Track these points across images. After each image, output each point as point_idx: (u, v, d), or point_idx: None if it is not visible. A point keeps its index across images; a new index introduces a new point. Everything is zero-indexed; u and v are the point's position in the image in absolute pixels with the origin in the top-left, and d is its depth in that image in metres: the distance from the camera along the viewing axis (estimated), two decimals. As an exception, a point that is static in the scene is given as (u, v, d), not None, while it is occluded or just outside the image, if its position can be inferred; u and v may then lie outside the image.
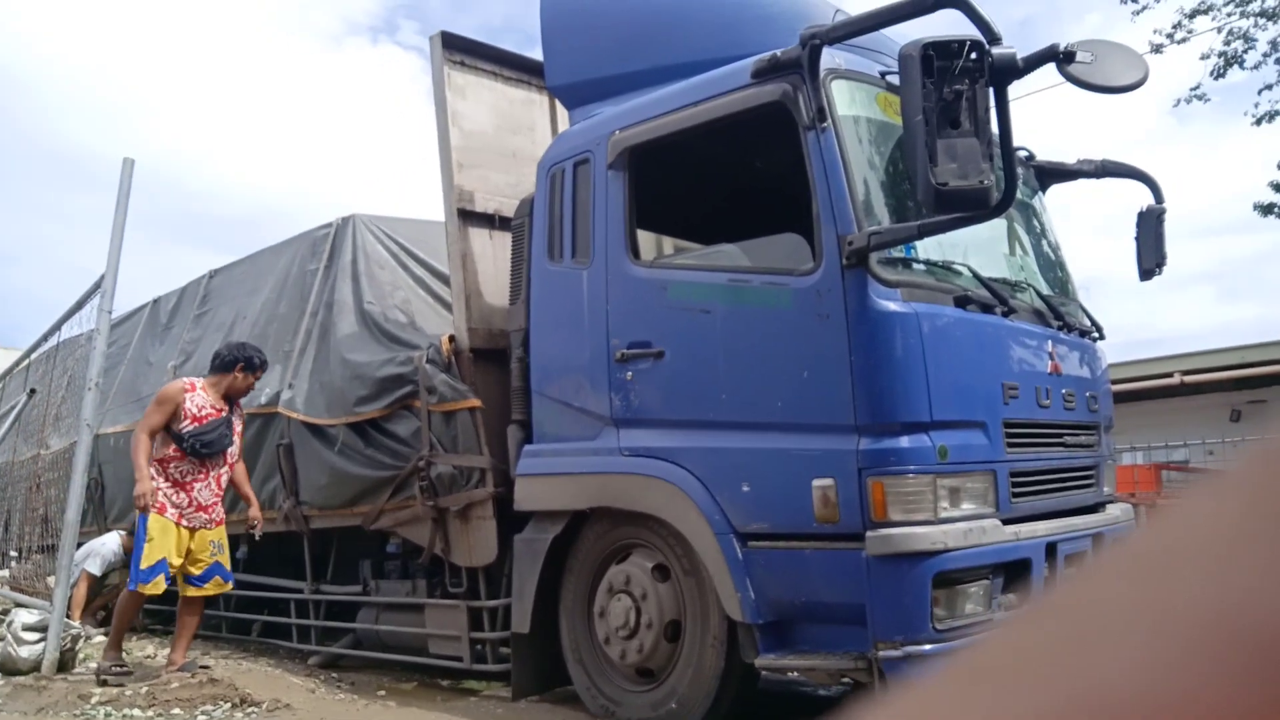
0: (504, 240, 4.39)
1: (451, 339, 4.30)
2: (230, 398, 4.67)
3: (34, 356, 8.30)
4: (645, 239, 4.13)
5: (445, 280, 4.85)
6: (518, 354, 4.04)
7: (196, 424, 4.49)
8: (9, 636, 4.79)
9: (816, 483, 3.03)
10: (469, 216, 4.40)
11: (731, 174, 4.43)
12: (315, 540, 5.15)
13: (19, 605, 5.65)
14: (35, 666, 4.63)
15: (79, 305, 6.22)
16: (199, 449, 4.47)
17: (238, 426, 4.72)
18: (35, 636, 4.76)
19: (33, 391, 7.51)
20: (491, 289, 4.38)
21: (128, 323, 7.46)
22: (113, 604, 6.58)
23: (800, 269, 3.18)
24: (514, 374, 4.05)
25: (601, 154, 3.77)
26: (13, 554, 7.60)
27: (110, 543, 6.30)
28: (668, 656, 3.45)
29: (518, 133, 4.68)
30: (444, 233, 4.46)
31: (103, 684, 4.20)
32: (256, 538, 4.85)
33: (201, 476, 4.51)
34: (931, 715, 0.22)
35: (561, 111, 4.53)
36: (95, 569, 6.16)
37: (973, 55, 2.68)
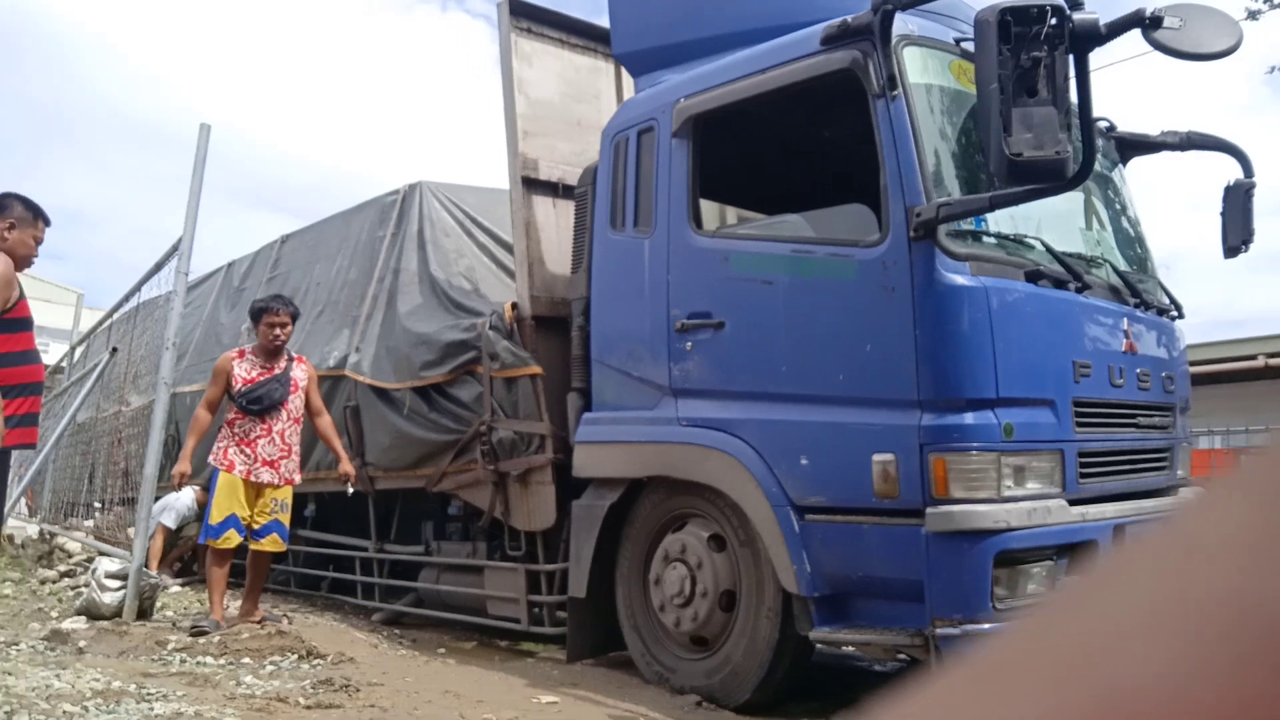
0: (567, 209, 4.40)
1: (514, 306, 4.34)
2: (276, 353, 4.71)
3: (116, 317, 8.64)
4: (708, 209, 4.10)
5: (509, 248, 4.89)
6: (578, 322, 4.06)
7: (247, 385, 4.63)
8: (93, 583, 5.03)
9: (877, 457, 3.00)
10: (533, 184, 4.42)
11: (798, 143, 4.37)
12: (380, 501, 5.29)
13: (102, 554, 5.93)
14: (117, 612, 4.85)
15: (157, 267, 6.43)
16: (248, 406, 4.61)
17: (299, 381, 4.74)
18: (117, 584, 4.98)
19: (114, 350, 7.81)
20: (554, 257, 4.41)
21: (203, 285, 7.70)
22: (188, 556, 6.88)
23: (866, 240, 3.12)
24: (574, 342, 4.08)
25: (666, 122, 3.74)
26: (96, 505, 7.96)
27: (185, 497, 6.56)
28: (722, 626, 3.47)
29: (583, 100, 4.67)
30: (508, 201, 4.50)
31: (196, 633, 4.37)
32: (349, 493, 4.87)
33: (263, 432, 4.62)
34: (953, 714, 0.22)
35: (627, 79, 4.51)
36: (170, 522, 6.42)
37: (1053, 20, 2.58)
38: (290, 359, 4.78)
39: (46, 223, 3.76)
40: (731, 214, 4.61)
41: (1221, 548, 0.19)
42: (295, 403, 4.71)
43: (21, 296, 3.55)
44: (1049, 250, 3.23)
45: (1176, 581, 0.20)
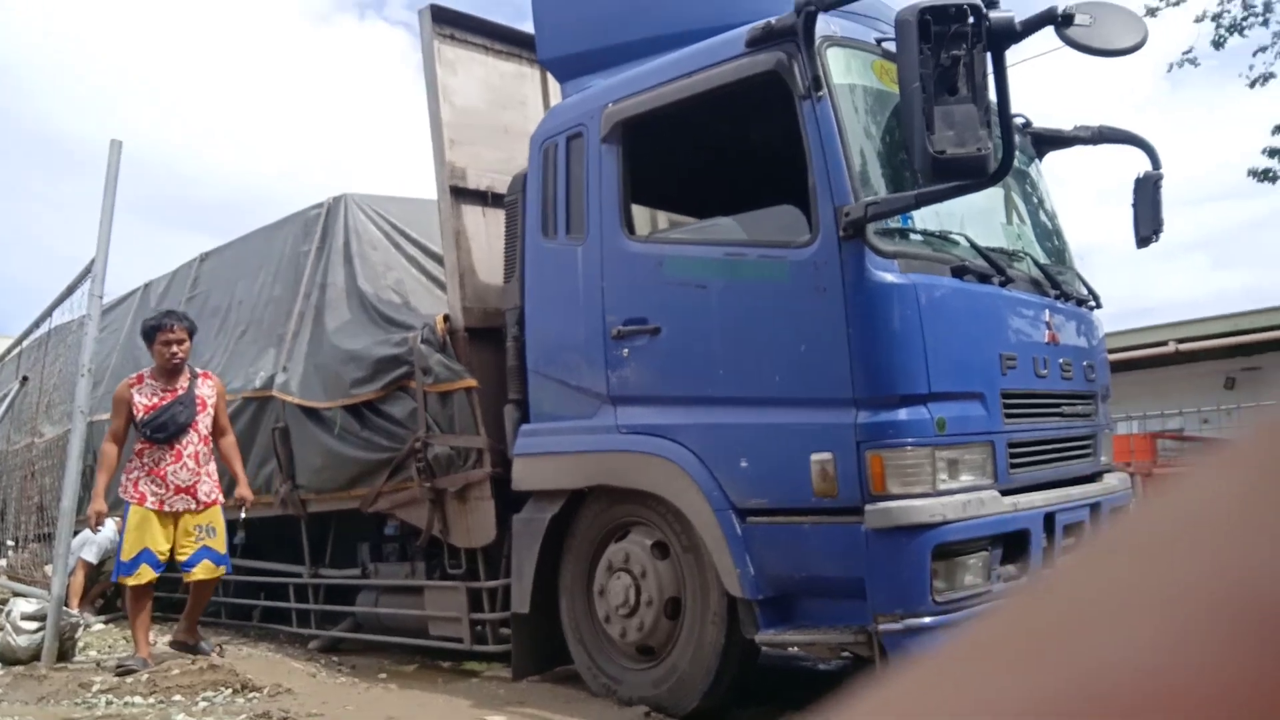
0: (497, 217, 4.34)
1: (446, 319, 4.26)
2: (176, 372, 4.52)
3: (25, 344, 8.24)
4: (640, 214, 4.08)
5: (438, 259, 4.81)
6: (513, 332, 4.01)
7: (149, 412, 4.44)
8: (8, 626, 4.77)
9: (815, 457, 3.01)
10: (461, 194, 4.35)
11: (727, 146, 4.38)
12: (313, 524, 5.14)
13: (17, 595, 5.64)
14: (35, 655, 4.61)
15: (69, 291, 6.16)
16: (154, 435, 4.43)
17: (207, 398, 4.56)
18: (34, 626, 4.74)
19: (25, 379, 7.47)
20: (485, 267, 4.34)
21: (119, 308, 7.41)
22: (111, 591, 6.58)
23: (797, 241, 3.14)
24: (509, 353, 4.02)
25: (594, 127, 3.72)
26: (9, 543, 7.58)
27: (106, 530, 6.26)
28: (668, 634, 3.44)
29: (509, 108, 4.62)
30: (436, 211, 4.42)
31: (122, 673, 4.17)
32: (242, 515, 4.75)
33: (173, 459, 4.44)
34: (932, 697, 0.21)
35: (554, 85, 4.47)
36: (92, 557, 6.14)
37: (970, 19, 2.63)
38: (193, 375, 4.59)
39: None
40: (664, 218, 4.60)
41: (1203, 527, 0.19)
42: (205, 421, 4.55)
43: None
44: (973, 246, 3.30)
45: (1158, 561, 0.20)
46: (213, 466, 4.60)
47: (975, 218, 3.44)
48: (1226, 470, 0.21)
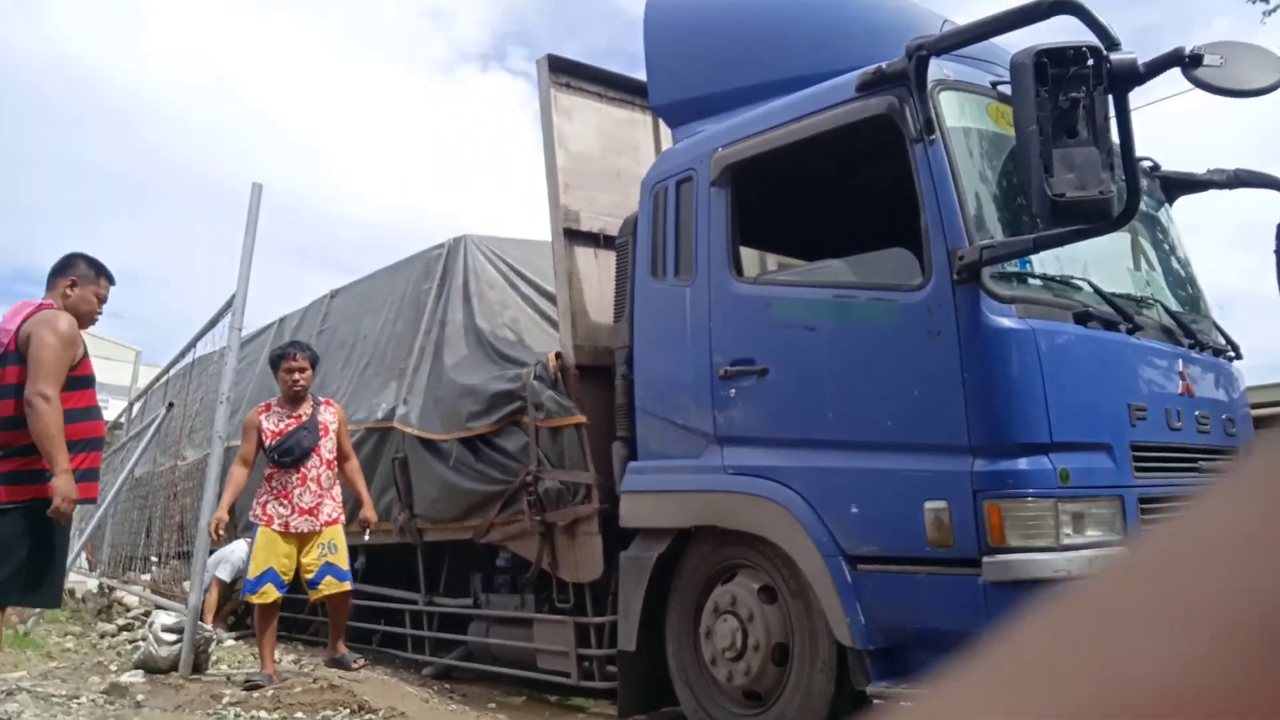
0: (609, 259, 4.45)
1: (558, 356, 4.38)
2: (299, 399, 4.76)
3: (172, 373, 8.87)
4: (748, 256, 4.11)
5: (552, 299, 4.95)
6: (622, 371, 4.08)
7: (276, 438, 4.70)
8: (150, 636, 5.11)
9: (929, 505, 2.95)
10: (575, 236, 4.48)
11: (836, 189, 4.37)
12: (428, 553, 5.32)
13: (159, 608, 6.03)
14: (173, 665, 4.91)
15: (212, 324, 6.62)
16: (280, 459, 4.69)
17: (329, 424, 4.78)
18: (173, 638, 5.05)
19: (170, 405, 8.03)
20: (597, 307, 4.45)
21: (256, 340, 7.89)
22: (242, 609, 6.95)
23: (909, 284, 3.10)
24: (618, 391, 4.09)
25: (704, 171, 3.78)
26: (153, 559, 8.12)
27: (239, 550, 6.65)
28: (775, 680, 3.40)
29: (622, 153, 4.75)
30: (551, 252, 4.56)
31: (249, 688, 4.41)
32: (365, 538, 4.91)
33: (298, 482, 4.67)
34: (965, 711, 0.21)
35: (665, 130, 4.57)
36: (225, 575, 6.51)
37: (1089, 62, 2.57)
38: (316, 403, 4.84)
39: (110, 280, 3.88)
40: (772, 260, 4.62)
41: (1234, 543, 0.19)
42: (327, 446, 4.76)
43: (85, 355, 3.67)
44: (1097, 291, 3.18)
45: (1182, 577, 0.20)
46: (337, 490, 4.81)
47: (1100, 263, 3.32)
48: (1244, 490, 0.21)
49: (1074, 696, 0.19)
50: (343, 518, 4.80)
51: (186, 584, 5.75)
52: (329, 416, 4.83)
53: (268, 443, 4.71)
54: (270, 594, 4.62)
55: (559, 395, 4.31)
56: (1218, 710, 0.17)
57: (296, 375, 4.76)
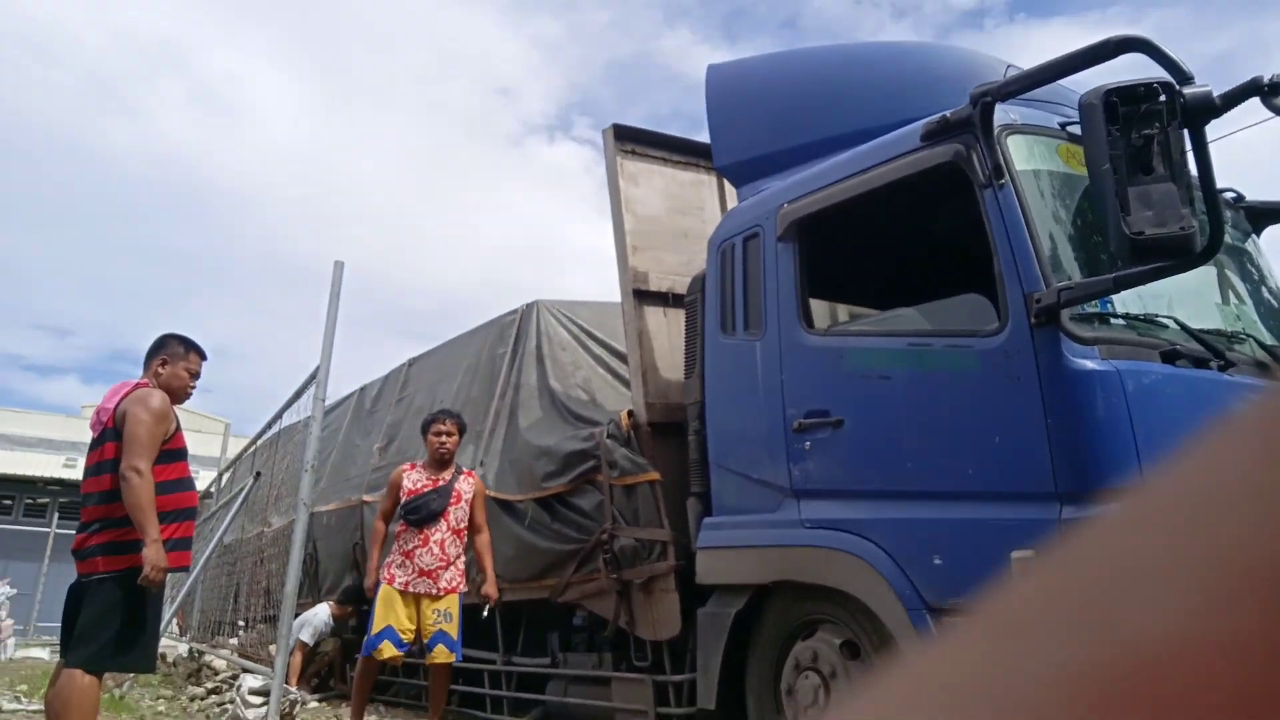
0: (677, 317, 4.50)
1: (630, 414, 4.42)
2: (444, 463, 4.84)
3: (259, 443, 9.19)
4: (818, 308, 4.11)
5: (623, 358, 5.01)
6: (694, 427, 4.09)
7: (410, 496, 4.79)
8: (238, 699, 5.21)
9: (1017, 554, 2.85)
10: (644, 296, 4.55)
11: (904, 238, 4.36)
12: (506, 612, 5.33)
13: (246, 671, 6.15)
14: (260, 729, 4.99)
15: (297, 395, 6.85)
16: (407, 516, 4.77)
17: (463, 493, 4.79)
18: (259, 700, 5.15)
19: (258, 474, 8.29)
20: (667, 364, 4.49)
21: (338, 409, 8.14)
22: (325, 671, 7.05)
23: (985, 330, 3.06)
24: (691, 446, 4.09)
25: (771, 227, 3.82)
26: (240, 623, 8.30)
27: (321, 613, 6.77)
28: (862, 740, 3.28)
29: (687, 213, 4.83)
30: (621, 313, 4.63)
31: None
32: (484, 614, 4.84)
33: (420, 543, 4.71)
34: (963, 671, 0.21)
35: (729, 190, 4.64)
36: (307, 638, 6.62)
37: (1161, 98, 2.54)
38: (458, 472, 4.89)
39: (200, 355, 4.06)
40: (843, 311, 4.61)
41: (1242, 489, 0.19)
42: (456, 514, 4.76)
43: (178, 429, 3.83)
44: (1184, 328, 3.08)
45: (1196, 524, 0.19)
46: (461, 561, 4.78)
47: (1185, 299, 3.23)
48: (1254, 436, 0.20)
49: (1077, 649, 0.18)
50: (463, 587, 4.76)
51: (273, 647, 5.87)
52: (465, 485, 4.84)
53: (403, 500, 4.82)
54: (387, 650, 4.65)
55: (632, 453, 4.33)
56: (1227, 661, 0.16)
57: (444, 439, 4.85)
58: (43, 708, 4.14)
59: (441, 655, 4.65)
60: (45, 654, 12.58)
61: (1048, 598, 0.21)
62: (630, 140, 4.78)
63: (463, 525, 4.77)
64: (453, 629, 4.66)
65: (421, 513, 4.74)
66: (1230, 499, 0.19)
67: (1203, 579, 0.18)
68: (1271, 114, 2.66)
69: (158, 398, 3.74)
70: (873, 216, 3.88)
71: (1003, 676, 0.19)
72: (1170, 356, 2.98)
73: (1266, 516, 0.18)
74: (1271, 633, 0.16)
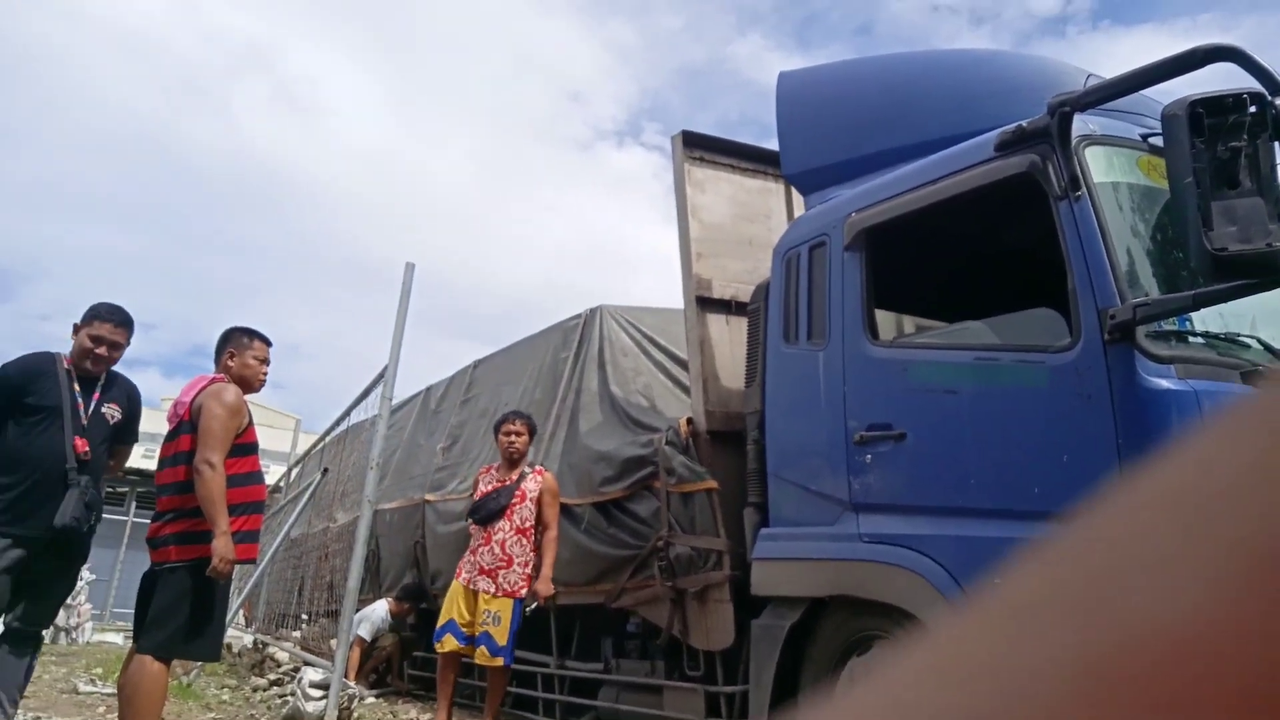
0: (740, 325, 4.48)
1: (689, 421, 4.41)
2: (514, 463, 4.89)
3: (327, 439, 9.42)
4: (883, 319, 4.05)
5: (684, 365, 5.01)
6: (753, 436, 4.06)
7: (480, 497, 4.92)
8: (299, 692, 5.33)
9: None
10: (707, 303, 4.55)
11: (974, 249, 4.28)
12: (561, 616, 5.36)
13: (307, 664, 6.30)
14: (319, 720, 5.10)
15: (365, 394, 7.01)
16: (471, 514, 4.90)
17: (529, 491, 4.81)
18: (319, 694, 5.26)
19: (325, 470, 8.50)
20: (728, 373, 4.47)
21: (404, 409, 8.29)
22: (383, 667, 7.17)
23: (1056, 345, 2.98)
24: (750, 456, 4.06)
25: (838, 236, 3.78)
26: (304, 617, 8.51)
27: (379, 609, 6.89)
28: (917, 761, 3.21)
29: (753, 221, 4.81)
30: (683, 320, 4.63)
31: None
32: (526, 611, 4.81)
33: (483, 541, 4.80)
34: (970, 657, 0.20)
35: (796, 198, 4.61)
36: (365, 633, 6.74)
37: (1252, 109, 2.45)
38: (526, 471, 4.94)
39: (266, 342, 4.15)
40: (908, 323, 4.53)
41: (1245, 477, 0.18)
42: (521, 513, 4.79)
43: (250, 423, 3.94)
44: (1268, 349, 2.96)
45: (1198, 512, 0.19)
46: (527, 559, 4.78)
47: (1270, 319, 3.10)
48: (1258, 424, 0.20)
49: (1075, 637, 0.18)
50: (524, 591, 4.75)
51: (334, 642, 6.00)
52: (531, 484, 4.87)
53: (475, 500, 4.94)
54: (449, 644, 4.76)
55: (690, 460, 4.32)
56: (1227, 651, 0.16)
57: (513, 438, 4.93)
58: (115, 691, 4.30)
59: (481, 657, 4.69)
60: (119, 639, 13.08)
61: (1055, 584, 0.20)
62: (699, 147, 4.79)
63: (529, 524, 4.79)
64: (499, 632, 4.66)
65: (481, 512, 4.82)
66: (1242, 487, 0.18)
67: (1213, 567, 0.17)
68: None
69: (232, 392, 3.86)
70: (943, 227, 3.81)
71: (1009, 663, 0.19)
72: (1251, 377, 2.86)
73: (1267, 505, 0.17)
74: (1269, 624, 0.16)
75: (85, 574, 15.24)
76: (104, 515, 4.30)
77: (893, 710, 0.21)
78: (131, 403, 4.23)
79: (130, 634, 4.68)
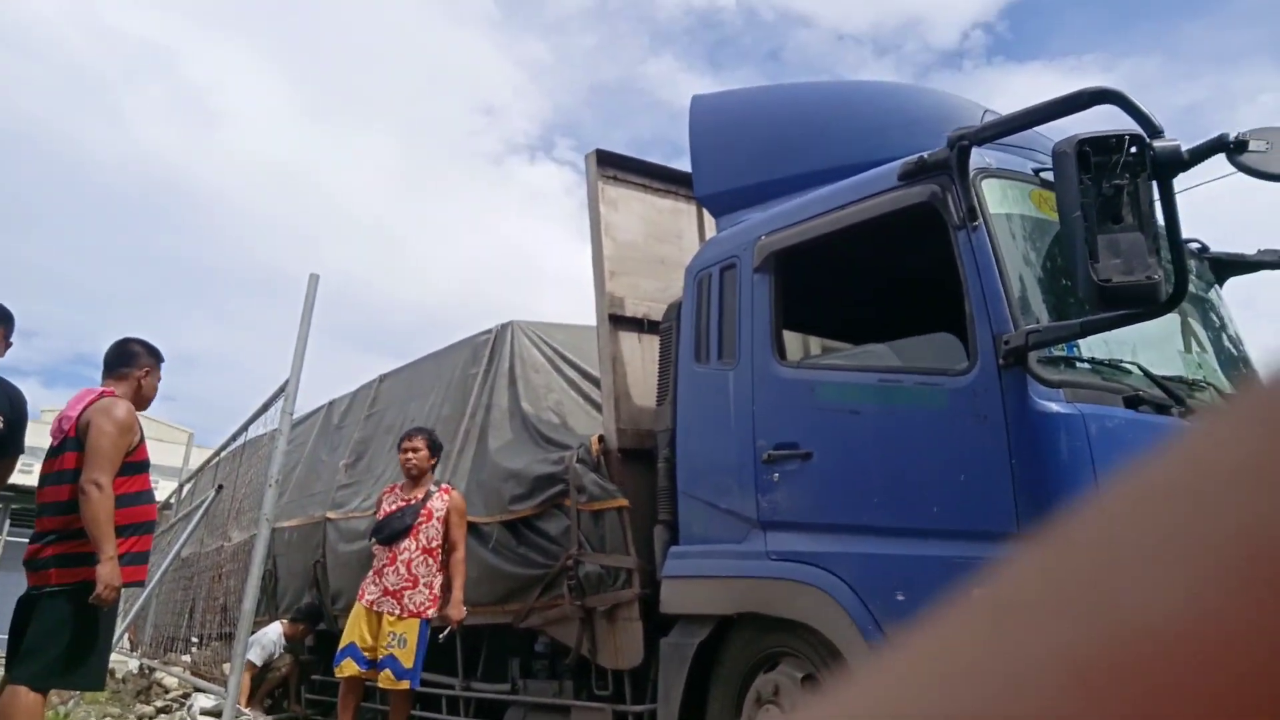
0: (652, 343, 4.51)
1: (601, 439, 4.40)
2: (417, 481, 4.78)
3: (223, 455, 9.04)
4: (791, 340, 4.14)
5: (596, 382, 5.01)
6: (664, 454, 4.08)
7: (383, 516, 4.79)
8: (188, 719, 5.09)
9: (978, 593, 2.86)
10: (619, 321, 4.56)
11: (878, 275, 4.42)
12: (467, 636, 5.26)
13: (198, 690, 6.01)
14: (209, 749, 4.88)
15: (265, 407, 6.75)
16: (374, 534, 4.77)
17: (435, 510, 4.67)
18: (210, 720, 5.03)
19: (220, 487, 8.15)
20: (640, 390, 4.49)
21: (304, 424, 8.03)
22: (278, 691, 6.90)
23: (954, 369, 3.10)
24: (660, 474, 4.08)
25: (748, 258, 3.85)
26: (194, 640, 8.12)
27: (271, 633, 6.62)
28: (820, 775, 3.27)
29: (666, 241, 4.86)
30: (595, 337, 4.64)
31: None
32: (439, 639, 4.69)
33: (388, 561, 4.65)
34: (963, 652, 0.20)
35: (708, 219, 4.68)
36: (256, 658, 6.46)
37: (1132, 149, 2.61)
38: (433, 489, 4.80)
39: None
40: (815, 344, 4.64)
41: (1240, 473, 0.18)
42: (428, 532, 4.65)
43: (141, 440, 3.76)
44: (1147, 375, 3.14)
45: (1193, 508, 0.18)
46: (433, 579, 4.65)
47: (1149, 345, 3.29)
48: (1252, 420, 0.20)
49: (1075, 638, 0.18)
50: (431, 612, 4.63)
51: (226, 666, 5.74)
52: (438, 503, 4.72)
53: (378, 519, 4.79)
54: (348, 668, 4.59)
55: (601, 478, 4.32)
56: (1224, 647, 0.16)
57: (409, 454, 4.79)
58: (-18, 722, 4.01)
59: (386, 680, 4.56)
60: (-11, 665, 12.20)
61: (1048, 580, 0.20)
62: (612, 166, 4.81)
63: (435, 544, 4.68)
64: (405, 655, 4.54)
65: (385, 531, 4.69)
66: (1235, 484, 0.18)
67: (1205, 563, 0.17)
68: (1235, 169, 2.73)
69: (123, 409, 3.66)
70: (848, 252, 3.92)
71: (1003, 658, 0.19)
72: (1133, 402, 3.03)
73: (1271, 503, 0.17)
74: (1265, 620, 0.16)
75: (-50, 598, 14.21)
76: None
77: (886, 708, 0.21)
78: (14, 409, 3.90)
79: (1, 662, 4.38)
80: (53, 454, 3.66)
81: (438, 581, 4.69)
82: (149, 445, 3.89)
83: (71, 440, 3.60)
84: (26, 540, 3.71)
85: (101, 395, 3.70)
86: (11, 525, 18.66)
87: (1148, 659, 0.17)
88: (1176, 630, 0.17)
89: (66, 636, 3.44)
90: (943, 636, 0.22)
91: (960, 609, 0.21)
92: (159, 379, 3.93)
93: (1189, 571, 0.17)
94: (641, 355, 4.57)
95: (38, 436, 4.27)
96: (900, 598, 3.08)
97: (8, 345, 3.86)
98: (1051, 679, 0.18)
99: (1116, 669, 0.17)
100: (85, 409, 3.63)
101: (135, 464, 3.69)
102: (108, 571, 3.39)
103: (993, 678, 0.19)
